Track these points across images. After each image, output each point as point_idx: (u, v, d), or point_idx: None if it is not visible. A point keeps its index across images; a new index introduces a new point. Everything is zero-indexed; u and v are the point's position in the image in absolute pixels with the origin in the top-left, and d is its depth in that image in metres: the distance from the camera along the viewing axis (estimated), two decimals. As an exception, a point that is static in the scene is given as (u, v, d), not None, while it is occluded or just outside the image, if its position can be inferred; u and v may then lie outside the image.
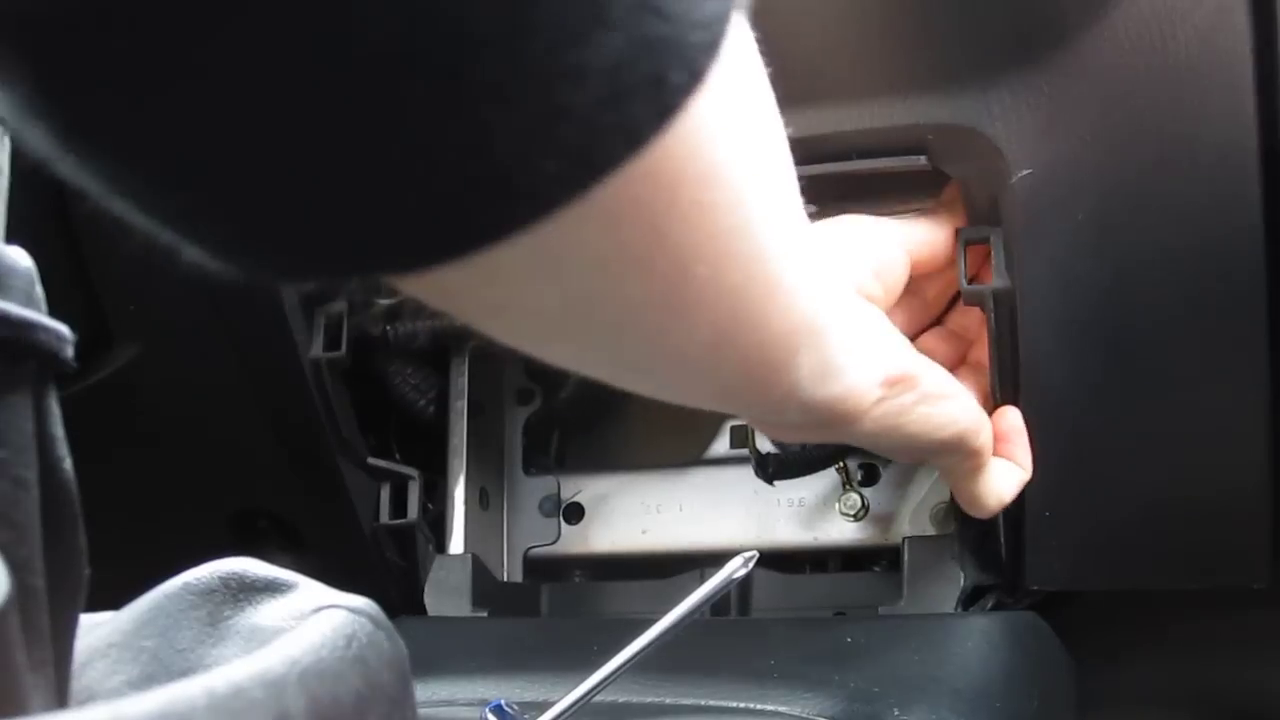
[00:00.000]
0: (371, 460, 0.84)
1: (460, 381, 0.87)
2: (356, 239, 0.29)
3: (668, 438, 0.92)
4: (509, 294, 0.33)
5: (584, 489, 0.90)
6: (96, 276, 0.82)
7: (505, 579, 0.88)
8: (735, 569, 0.53)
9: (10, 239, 0.34)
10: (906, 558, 0.76)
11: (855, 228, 0.65)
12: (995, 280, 0.68)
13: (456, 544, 0.85)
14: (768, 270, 0.37)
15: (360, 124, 0.26)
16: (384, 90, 0.25)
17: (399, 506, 0.84)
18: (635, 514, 0.88)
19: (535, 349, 0.38)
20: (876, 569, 0.83)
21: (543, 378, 0.91)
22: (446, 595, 0.82)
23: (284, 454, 0.84)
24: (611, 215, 0.31)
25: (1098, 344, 0.67)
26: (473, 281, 0.31)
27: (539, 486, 0.90)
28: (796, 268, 0.39)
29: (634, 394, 0.42)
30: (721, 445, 0.89)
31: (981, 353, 0.71)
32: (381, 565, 0.84)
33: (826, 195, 0.76)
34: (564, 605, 0.88)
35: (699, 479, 0.88)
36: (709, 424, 0.89)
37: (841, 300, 0.46)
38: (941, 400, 0.56)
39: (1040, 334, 0.67)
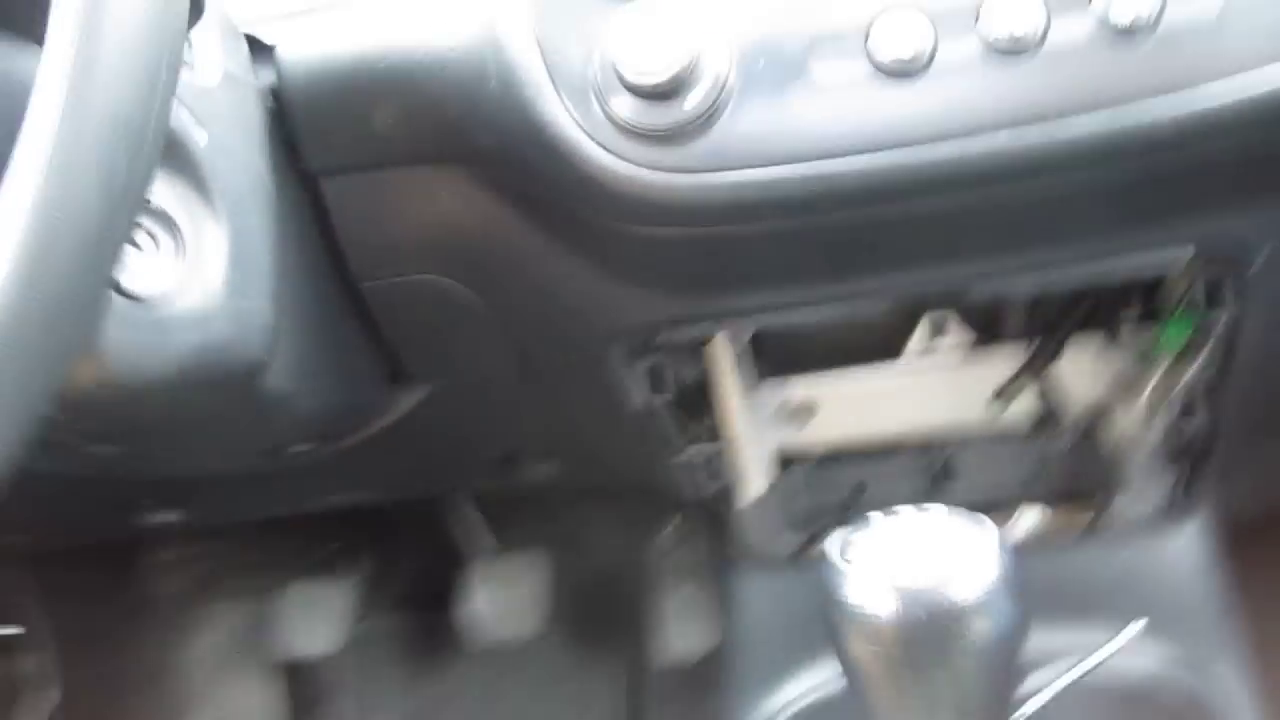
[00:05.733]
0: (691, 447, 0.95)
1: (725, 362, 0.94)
2: None
3: (872, 335, 0.99)
4: None
5: (809, 389, 1.00)
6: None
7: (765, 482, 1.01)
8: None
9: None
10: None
11: None
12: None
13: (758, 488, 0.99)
14: None
15: None
16: None
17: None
18: (855, 408, 1.00)
19: None
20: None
21: None
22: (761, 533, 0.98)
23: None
24: None
25: None
26: None
27: (773, 391, 1.00)
28: None
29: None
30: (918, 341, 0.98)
31: None
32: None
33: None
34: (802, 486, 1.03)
35: (902, 371, 0.98)
36: (906, 319, 0.97)
37: None
38: None
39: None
